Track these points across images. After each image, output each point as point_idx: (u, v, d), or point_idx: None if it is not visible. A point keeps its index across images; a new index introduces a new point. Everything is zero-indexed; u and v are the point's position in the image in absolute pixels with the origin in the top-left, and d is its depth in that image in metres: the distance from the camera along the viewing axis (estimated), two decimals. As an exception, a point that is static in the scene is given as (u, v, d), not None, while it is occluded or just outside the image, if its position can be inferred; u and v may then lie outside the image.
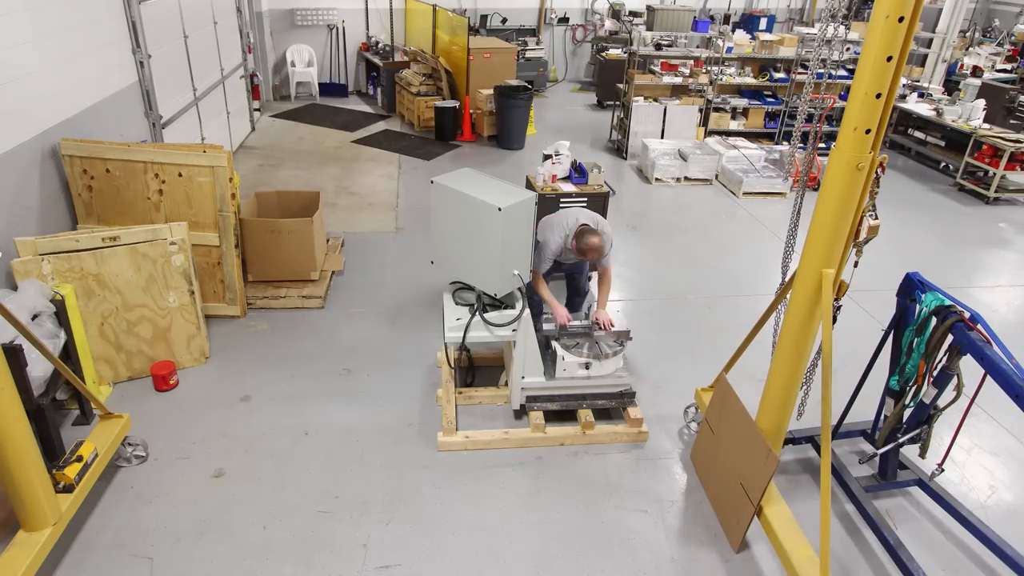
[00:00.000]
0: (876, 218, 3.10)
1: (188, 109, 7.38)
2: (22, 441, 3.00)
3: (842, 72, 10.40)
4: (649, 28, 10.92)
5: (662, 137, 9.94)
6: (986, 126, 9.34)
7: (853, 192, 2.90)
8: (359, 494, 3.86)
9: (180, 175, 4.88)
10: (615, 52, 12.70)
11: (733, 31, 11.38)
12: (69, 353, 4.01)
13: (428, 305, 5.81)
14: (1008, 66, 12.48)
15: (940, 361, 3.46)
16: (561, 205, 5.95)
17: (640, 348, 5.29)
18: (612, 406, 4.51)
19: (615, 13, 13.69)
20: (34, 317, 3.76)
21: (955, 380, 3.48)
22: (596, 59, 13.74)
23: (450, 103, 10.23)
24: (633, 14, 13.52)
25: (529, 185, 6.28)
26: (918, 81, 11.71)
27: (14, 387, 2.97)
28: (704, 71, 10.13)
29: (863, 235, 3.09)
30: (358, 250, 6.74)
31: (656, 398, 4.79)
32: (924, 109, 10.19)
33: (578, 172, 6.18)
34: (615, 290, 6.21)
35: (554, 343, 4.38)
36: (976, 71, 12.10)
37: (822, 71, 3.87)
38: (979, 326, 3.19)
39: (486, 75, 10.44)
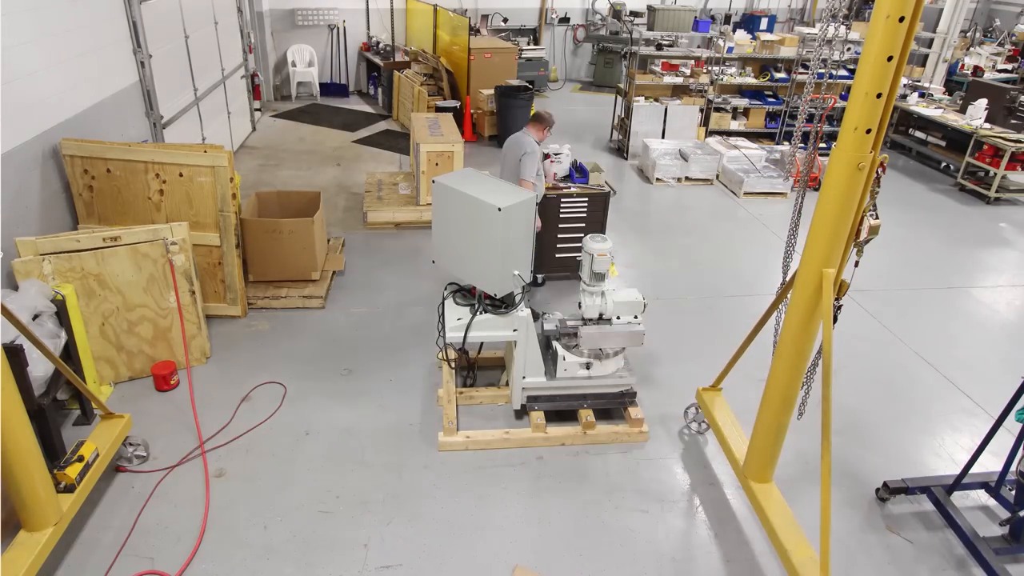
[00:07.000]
0: (877, 218, 3.09)
1: (189, 109, 7.39)
2: (23, 441, 3.00)
3: (843, 72, 10.40)
4: (650, 28, 10.91)
5: (663, 137, 9.94)
6: (987, 126, 9.34)
7: (854, 192, 2.90)
8: (360, 494, 3.87)
9: (181, 175, 4.89)
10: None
11: (734, 31, 11.37)
12: (70, 353, 4.01)
13: (428, 305, 5.81)
14: (1009, 66, 12.46)
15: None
16: (562, 206, 5.97)
17: (641, 348, 5.28)
18: (613, 406, 4.51)
19: (616, 13, 13.69)
20: (35, 317, 3.76)
21: None
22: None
23: (451, 103, 10.23)
24: (634, 14, 13.52)
25: (530, 185, 6.29)
26: (919, 81, 11.71)
27: (15, 387, 2.97)
28: (705, 71, 10.13)
29: (864, 235, 3.09)
30: (359, 250, 6.74)
31: (657, 398, 4.79)
32: (931, 111, 10.19)
33: (579, 172, 6.18)
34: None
35: (555, 343, 4.38)
36: (977, 71, 12.09)
37: (823, 71, 3.88)
38: None
39: (487, 75, 10.44)
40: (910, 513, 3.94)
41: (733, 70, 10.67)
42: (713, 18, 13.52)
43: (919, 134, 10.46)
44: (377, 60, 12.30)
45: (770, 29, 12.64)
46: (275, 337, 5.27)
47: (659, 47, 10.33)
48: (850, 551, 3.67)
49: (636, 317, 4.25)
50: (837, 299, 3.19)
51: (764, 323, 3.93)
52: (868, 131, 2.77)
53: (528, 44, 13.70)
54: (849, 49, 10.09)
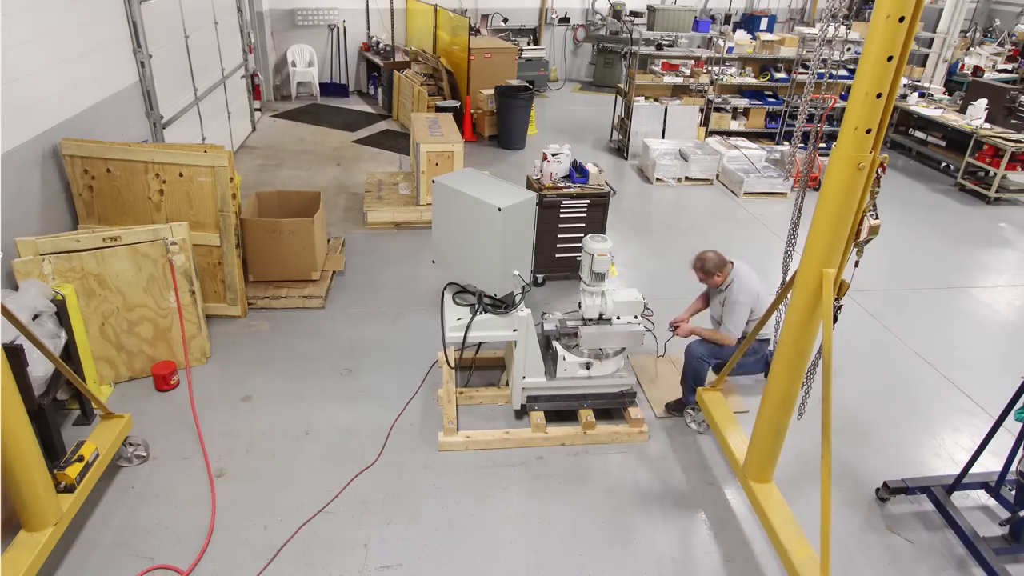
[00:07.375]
0: (877, 218, 3.09)
1: (189, 109, 7.39)
2: (23, 441, 3.00)
3: (843, 72, 10.40)
4: (650, 28, 10.91)
5: (663, 137, 9.94)
6: (987, 126, 9.34)
7: (854, 192, 2.90)
8: (360, 494, 3.87)
9: (181, 175, 4.89)
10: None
11: (734, 31, 11.37)
12: (70, 353, 4.01)
13: (428, 305, 5.81)
14: (1009, 66, 12.46)
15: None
16: (562, 206, 5.97)
17: (642, 348, 5.27)
18: (613, 406, 4.51)
19: (616, 13, 13.69)
20: (35, 317, 3.76)
21: None
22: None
23: (451, 103, 10.23)
24: (634, 14, 13.52)
25: (529, 185, 6.28)
26: (919, 81, 11.70)
27: (15, 387, 2.97)
28: (705, 71, 10.13)
29: (864, 235, 3.09)
30: (359, 250, 6.74)
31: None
32: (931, 111, 10.19)
33: (579, 172, 6.18)
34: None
35: (555, 343, 4.38)
36: (977, 71, 12.09)
37: (823, 71, 3.87)
38: None
39: (487, 75, 10.44)
40: (910, 513, 3.94)
41: (733, 70, 10.66)
42: (713, 18, 13.51)
43: (919, 134, 10.45)
44: (377, 60, 12.30)
45: (770, 29, 12.64)
46: (275, 337, 5.27)
47: (659, 47, 10.33)
48: (850, 551, 3.67)
49: (636, 317, 4.25)
50: (837, 299, 3.19)
51: (764, 323, 3.94)
52: (868, 131, 2.77)
53: (528, 44, 13.70)
54: (849, 49, 10.09)
